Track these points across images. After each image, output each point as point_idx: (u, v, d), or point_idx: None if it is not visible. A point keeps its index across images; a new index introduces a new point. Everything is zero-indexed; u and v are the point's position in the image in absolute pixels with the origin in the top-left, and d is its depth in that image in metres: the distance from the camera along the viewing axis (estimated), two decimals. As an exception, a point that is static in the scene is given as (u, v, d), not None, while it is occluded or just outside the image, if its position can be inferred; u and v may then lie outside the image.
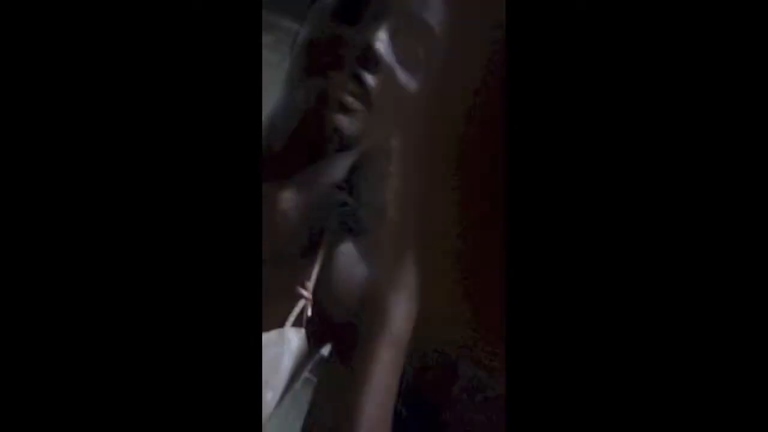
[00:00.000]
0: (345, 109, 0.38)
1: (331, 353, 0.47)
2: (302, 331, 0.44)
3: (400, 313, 0.45)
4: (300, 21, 0.44)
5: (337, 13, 0.39)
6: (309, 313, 0.44)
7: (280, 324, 0.43)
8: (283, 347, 0.43)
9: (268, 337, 0.42)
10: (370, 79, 0.38)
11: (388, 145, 0.47)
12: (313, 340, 0.45)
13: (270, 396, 0.43)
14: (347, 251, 0.47)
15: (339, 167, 0.46)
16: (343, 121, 0.38)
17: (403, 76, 0.40)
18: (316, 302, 0.44)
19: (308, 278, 0.44)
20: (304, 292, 0.43)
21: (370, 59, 0.37)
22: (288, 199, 0.43)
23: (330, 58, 0.38)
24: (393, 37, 0.38)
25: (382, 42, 0.37)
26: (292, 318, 0.43)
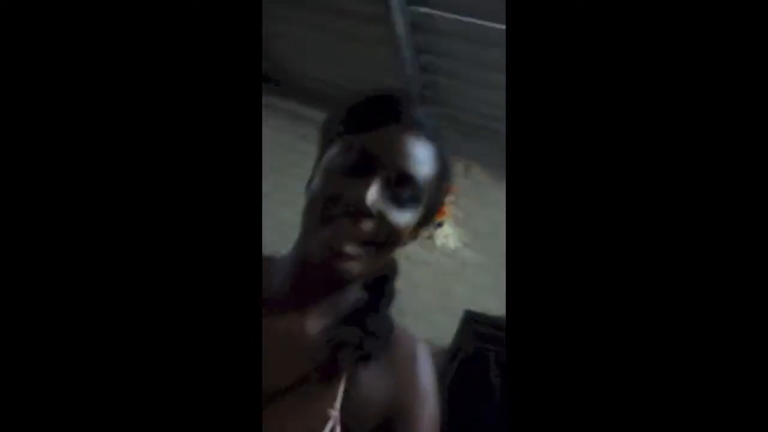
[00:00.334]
0: (348, 257, 0.46)
1: None
2: None
3: (428, 413, 0.51)
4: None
5: (345, 171, 0.48)
6: (338, 431, 0.48)
7: None
8: None
9: None
10: (366, 225, 0.47)
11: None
12: None
13: None
14: (367, 367, 0.52)
15: (345, 300, 0.53)
16: (348, 265, 0.47)
17: (394, 215, 0.48)
18: (343, 420, 0.49)
19: (335, 398, 0.49)
20: (333, 413, 0.48)
21: (364, 211, 0.46)
22: (310, 326, 0.51)
23: (333, 212, 0.47)
24: (383, 189, 0.47)
25: (373, 195, 0.46)
26: None
